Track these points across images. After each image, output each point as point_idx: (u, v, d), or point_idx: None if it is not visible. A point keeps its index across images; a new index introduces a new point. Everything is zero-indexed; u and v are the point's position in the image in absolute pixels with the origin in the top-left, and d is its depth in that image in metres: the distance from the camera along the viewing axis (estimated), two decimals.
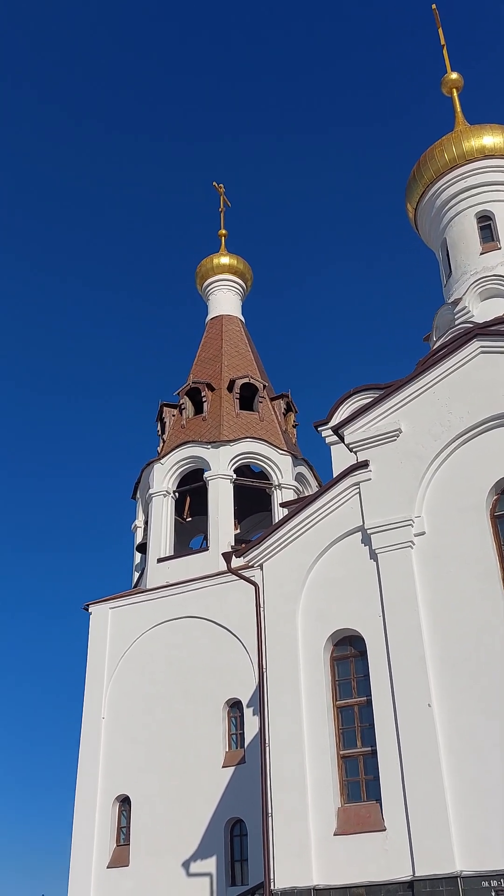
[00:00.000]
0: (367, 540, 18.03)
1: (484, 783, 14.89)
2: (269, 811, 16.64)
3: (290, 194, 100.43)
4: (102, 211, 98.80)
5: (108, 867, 26.32)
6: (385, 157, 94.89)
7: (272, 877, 16.12)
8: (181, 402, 34.88)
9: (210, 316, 39.03)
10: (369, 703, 16.73)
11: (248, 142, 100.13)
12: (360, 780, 16.52)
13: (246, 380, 34.35)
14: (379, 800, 15.86)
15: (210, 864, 24.79)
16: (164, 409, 35.26)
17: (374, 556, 17.78)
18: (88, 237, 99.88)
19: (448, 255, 31.19)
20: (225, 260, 39.98)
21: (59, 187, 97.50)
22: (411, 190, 32.97)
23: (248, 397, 34.44)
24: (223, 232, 41.43)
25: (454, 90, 35.45)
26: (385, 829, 15.48)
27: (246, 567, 20.43)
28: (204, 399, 34.14)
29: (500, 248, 29.50)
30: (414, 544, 17.45)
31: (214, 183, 42.76)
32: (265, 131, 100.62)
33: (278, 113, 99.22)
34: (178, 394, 35.20)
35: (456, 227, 31.03)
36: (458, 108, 34.47)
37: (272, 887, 16.04)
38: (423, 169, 32.22)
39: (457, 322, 28.19)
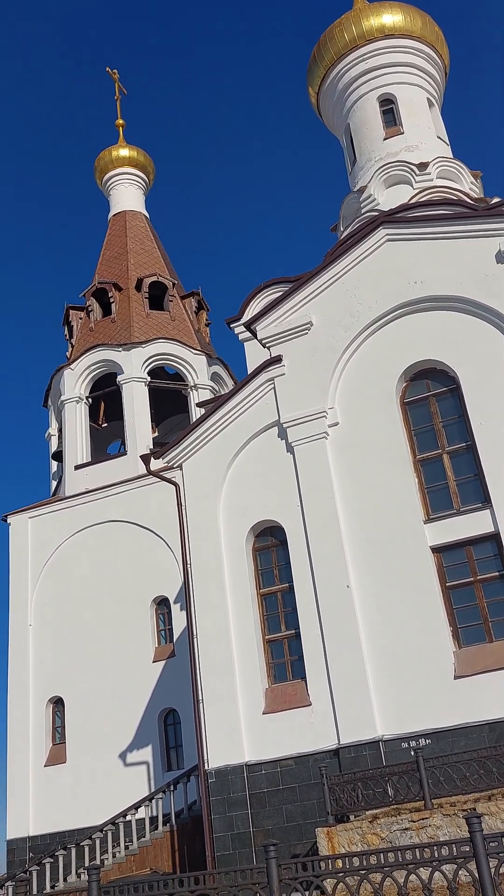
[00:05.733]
0: (283, 434, 18.29)
1: (401, 653, 15.83)
2: (200, 698, 17.31)
3: (189, 80, 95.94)
4: None
5: (45, 766, 27.07)
6: (288, 37, 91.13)
7: (206, 758, 16.93)
8: (88, 303, 33.84)
9: (112, 212, 37.49)
10: (291, 589, 17.37)
11: (142, 23, 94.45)
12: (285, 662, 17.29)
13: (154, 278, 33.48)
14: (304, 678, 16.68)
15: (146, 753, 25.79)
16: (71, 311, 34.18)
17: (290, 449, 18.09)
18: None
19: (352, 141, 30.58)
20: (124, 152, 38.20)
21: None
22: (312, 73, 31.87)
23: (157, 296, 33.66)
24: (121, 122, 39.45)
25: None
26: (311, 705, 16.35)
27: (166, 469, 20.48)
28: (112, 300, 33.21)
29: (402, 133, 29.05)
30: (328, 435, 17.81)
31: (108, 69, 40.52)
32: (158, 12, 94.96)
33: None
34: (84, 295, 34.09)
35: (359, 111, 30.32)
36: None
37: (206, 767, 16.85)
38: (324, 50, 31.10)
39: (363, 210, 27.95)
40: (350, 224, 28.31)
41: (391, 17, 30.35)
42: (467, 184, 28.27)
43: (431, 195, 25.67)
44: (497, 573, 16.07)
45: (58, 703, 27.85)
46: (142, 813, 21.75)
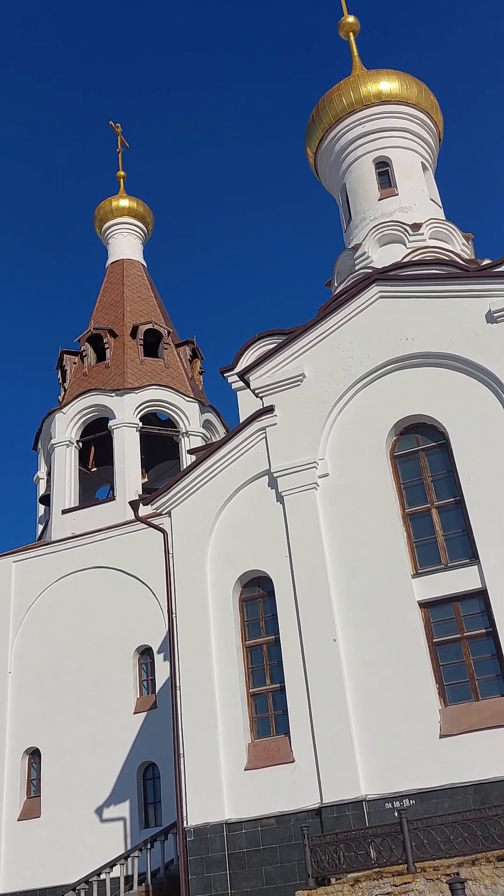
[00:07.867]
0: (273, 483, 18.29)
1: (387, 711, 15.58)
2: (181, 752, 16.94)
3: (190, 136, 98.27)
4: None
5: (18, 820, 26.28)
6: (288, 100, 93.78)
7: (185, 815, 16.49)
8: (82, 349, 34.08)
9: (110, 260, 38.09)
10: (277, 641, 17.16)
11: (146, 80, 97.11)
12: (269, 716, 16.99)
13: (150, 325, 33.81)
14: (288, 733, 16.38)
15: (123, 809, 25.10)
16: (65, 356, 34.37)
17: (280, 498, 18.08)
18: None
19: (348, 200, 31.31)
20: (124, 203, 38.98)
21: None
22: (311, 135, 32.79)
23: (152, 343, 33.96)
24: (122, 173, 40.39)
25: (351, 34, 35.27)
26: (294, 761, 16.02)
27: (154, 515, 20.36)
28: (106, 346, 33.46)
29: (397, 195, 29.82)
30: (318, 486, 17.82)
31: (111, 122, 41.62)
32: (162, 70, 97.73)
33: (175, 51, 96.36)
34: (79, 340, 34.35)
35: (355, 172, 31.12)
36: (356, 53, 34.34)
37: (185, 825, 16.41)
38: (322, 114, 32.07)
39: (357, 267, 28.45)
40: (344, 280, 28.78)
41: (388, 85, 31.37)
42: (459, 245, 28.90)
43: (424, 255, 26.21)
44: (484, 630, 15.94)
45: (34, 754, 27.16)
46: (117, 871, 21.07)
